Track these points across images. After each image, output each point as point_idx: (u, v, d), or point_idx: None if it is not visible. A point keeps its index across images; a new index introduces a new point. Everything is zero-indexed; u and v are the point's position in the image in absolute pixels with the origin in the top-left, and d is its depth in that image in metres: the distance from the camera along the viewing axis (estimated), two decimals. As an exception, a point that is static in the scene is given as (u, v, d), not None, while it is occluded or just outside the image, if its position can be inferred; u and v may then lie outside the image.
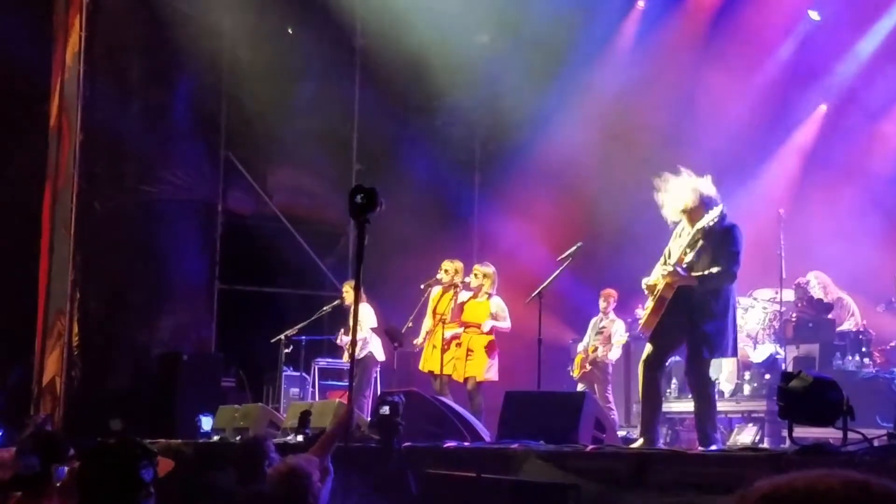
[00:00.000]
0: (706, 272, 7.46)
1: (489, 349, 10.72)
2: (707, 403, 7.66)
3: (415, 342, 11.16)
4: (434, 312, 11.03)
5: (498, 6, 14.24)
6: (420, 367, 11.06)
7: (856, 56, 13.82)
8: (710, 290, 7.51)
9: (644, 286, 7.81)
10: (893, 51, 13.58)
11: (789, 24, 14.15)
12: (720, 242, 7.53)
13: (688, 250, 7.55)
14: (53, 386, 13.34)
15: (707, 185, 7.69)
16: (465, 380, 10.74)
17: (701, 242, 7.54)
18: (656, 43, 14.43)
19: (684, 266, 7.51)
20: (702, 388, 7.66)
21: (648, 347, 7.81)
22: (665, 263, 7.70)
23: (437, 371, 10.78)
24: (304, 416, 9.08)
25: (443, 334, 10.79)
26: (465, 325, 10.86)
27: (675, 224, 7.84)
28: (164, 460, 5.08)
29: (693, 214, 7.62)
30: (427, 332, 11.05)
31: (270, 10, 14.00)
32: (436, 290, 11.08)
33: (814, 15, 13.95)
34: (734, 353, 7.89)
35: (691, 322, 7.55)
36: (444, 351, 10.76)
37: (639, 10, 14.79)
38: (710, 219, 7.49)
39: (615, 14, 14.67)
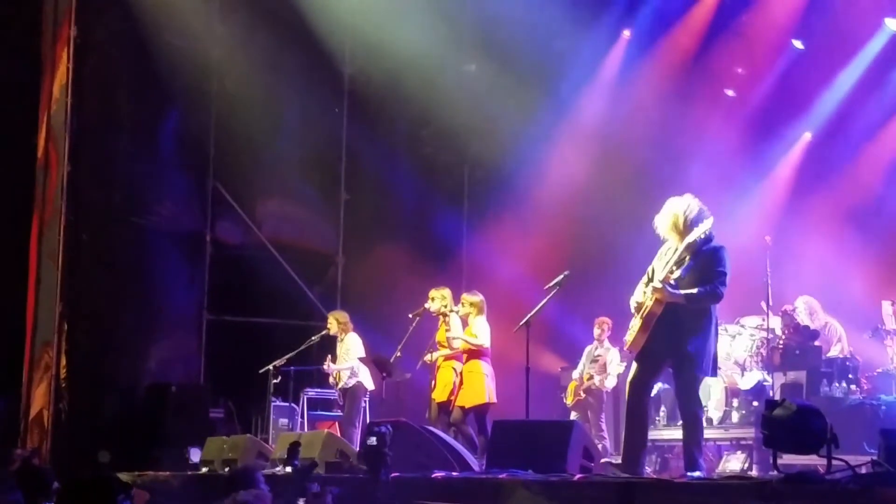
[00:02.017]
0: (694, 291, 7.48)
1: (474, 373, 10.66)
2: (695, 425, 7.65)
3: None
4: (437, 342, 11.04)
5: (485, 35, 14.33)
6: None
7: (839, 85, 13.91)
8: (696, 310, 7.52)
9: (632, 304, 7.78)
10: (876, 80, 13.68)
11: (774, 53, 14.25)
12: (708, 262, 7.56)
13: (675, 268, 7.57)
14: (41, 419, 13.29)
15: (694, 205, 7.74)
16: (463, 409, 10.68)
17: (688, 260, 7.57)
18: (642, 71, 14.53)
19: (672, 283, 7.52)
20: (691, 409, 7.65)
21: (634, 370, 7.78)
22: (650, 282, 7.70)
23: (433, 398, 10.79)
24: (293, 448, 9.05)
25: (437, 362, 10.80)
26: (463, 352, 10.83)
27: (663, 243, 7.88)
28: (139, 492, 5.10)
29: (682, 233, 7.67)
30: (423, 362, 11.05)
31: (259, 41, 14.06)
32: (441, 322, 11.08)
33: (798, 44, 14.05)
34: (714, 373, 7.90)
35: (677, 343, 7.54)
36: (434, 374, 10.76)
37: (625, 39, 14.88)
38: (698, 233, 7.55)
39: (601, 43, 14.77)
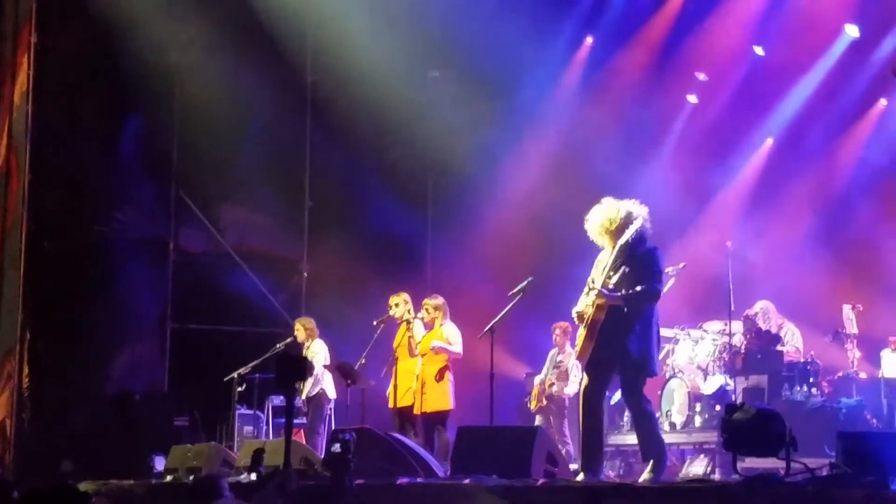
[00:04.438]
0: (631, 291, 7.57)
1: (439, 377, 10.67)
2: (648, 420, 7.71)
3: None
4: (395, 348, 11.04)
5: (448, 41, 14.36)
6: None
7: (800, 91, 14.05)
8: (634, 311, 7.59)
9: (574, 315, 7.85)
10: (836, 85, 13.83)
11: (735, 59, 14.37)
12: (642, 263, 7.66)
13: (611, 273, 7.66)
14: (4, 429, 13.20)
15: (623, 207, 7.80)
16: (423, 415, 10.68)
17: (623, 266, 7.67)
18: (604, 77, 14.62)
19: (610, 288, 7.61)
20: (640, 407, 7.69)
21: (585, 379, 7.84)
22: (591, 291, 7.75)
23: (394, 405, 10.78)
24: (258, 455, 9.03)
25: (397, 368, 10.80)
26: (421, 356, 10.84)
27: (601, 250, 7.94)
28: (99, 500, 5.08)
29: (615, 235, 7.74)
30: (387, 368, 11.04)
31: (221, 48, 14.03)
32: (399, 327, 11.07)
33: (758, 50, 14.18)
34: (656, 373, 7.94)
35: (620, 349, 7.60)
36: (396, 386, 10.75)
37: (587, 45, 14.97)
38: (627, 235, 7.64)
39: (564, 49, 14.84)
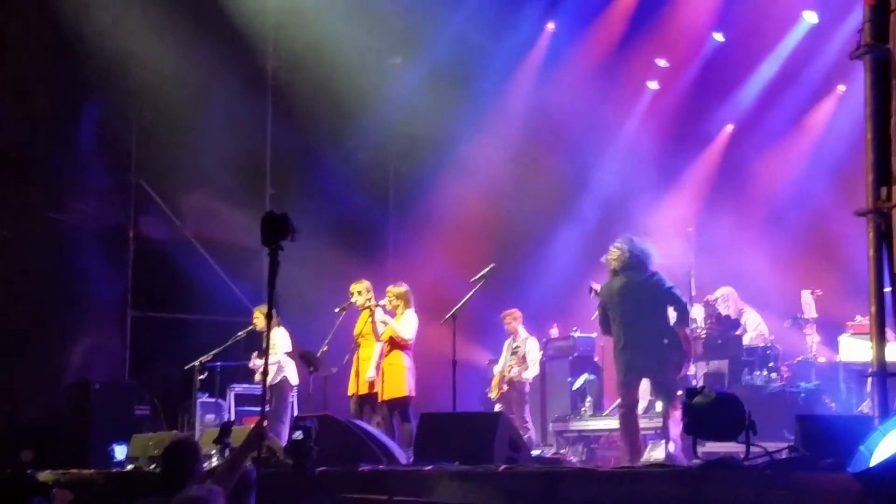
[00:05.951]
0: None
1: (394, 366, 10.62)
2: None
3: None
4: (356, 336, 10.99)
5: (409, 29, 14.34)
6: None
7: (759, 77, 14.15)
8: None
9: None
10: (794, 72, 13.92)
11: (695, 46, 14.44)
12: None
13: None
14: (-40, 419, 13.08)
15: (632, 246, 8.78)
16: (384, 401, 10.65)
17: None
18: (566, 64, 14.64)
19: None
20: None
21: None
22: None
23: (353, 392, 10.75)
24: (226, 427, 8.88)
25: (358, 355, 10.76)
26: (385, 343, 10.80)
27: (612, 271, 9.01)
28: (61, 492, 5.01)
29: None
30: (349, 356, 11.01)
31: (180, 34, 13.90)
32: (361, 315, 11.02)
33: (718, 37, 14.25)
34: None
35: None
36: (357, 373, 10.72)
37: (548, 32, 14.98)
38: None
39: (525, 36, 14.86)
